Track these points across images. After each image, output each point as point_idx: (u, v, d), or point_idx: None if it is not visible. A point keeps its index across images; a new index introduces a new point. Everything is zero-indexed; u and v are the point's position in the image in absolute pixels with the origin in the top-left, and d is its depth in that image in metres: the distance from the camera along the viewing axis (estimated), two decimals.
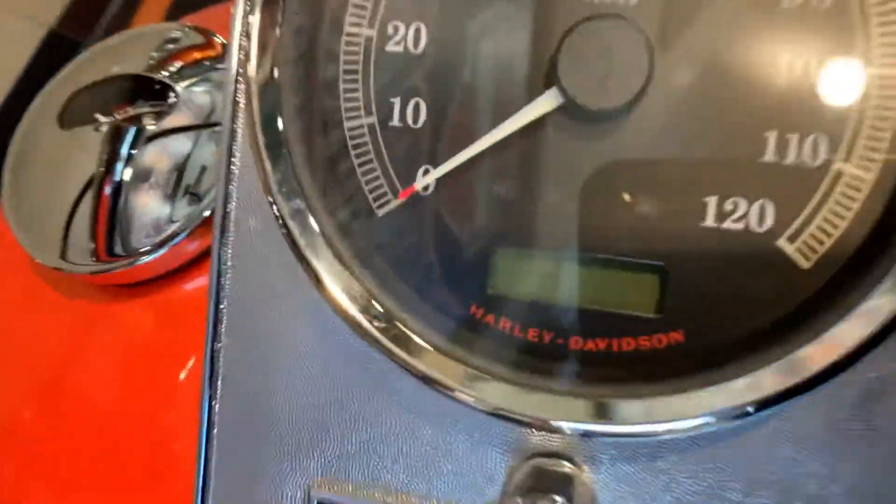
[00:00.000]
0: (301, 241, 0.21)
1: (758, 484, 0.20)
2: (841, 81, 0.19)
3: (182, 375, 0.33)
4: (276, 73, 0.21)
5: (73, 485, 0.35)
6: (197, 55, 0.35)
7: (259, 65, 0.21)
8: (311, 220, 0.21)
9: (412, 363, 0.20)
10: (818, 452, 0.20)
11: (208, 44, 0.35)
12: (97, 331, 0.34)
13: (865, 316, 0.19)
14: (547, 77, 0.20)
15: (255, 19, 0.21)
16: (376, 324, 0.20)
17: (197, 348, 0.33)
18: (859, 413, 0.19)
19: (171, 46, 0.35)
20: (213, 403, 0.24)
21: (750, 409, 0.19)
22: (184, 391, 0.33)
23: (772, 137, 0.20)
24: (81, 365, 0.36)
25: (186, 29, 0.35)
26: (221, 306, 0.24)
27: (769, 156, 0.20)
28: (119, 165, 0.32)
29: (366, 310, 0.21)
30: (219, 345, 0.24)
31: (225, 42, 0.35)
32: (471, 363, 0.20)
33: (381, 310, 0.21)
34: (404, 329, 0.20)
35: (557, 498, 0.19)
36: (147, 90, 0.33)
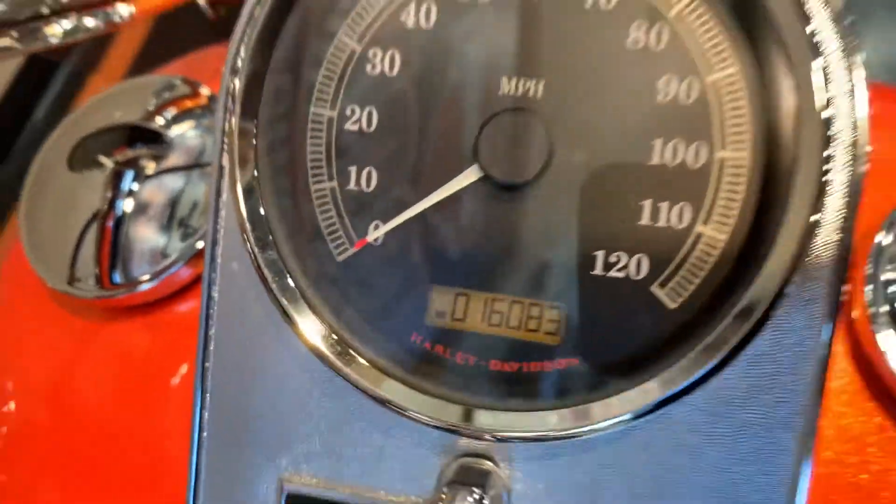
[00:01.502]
0: (274, 286, 0.26)
1: (637, 478, 0.25)
2: (700, 163, 0.25)
3: (175, 382, 0.37)
4: (257, 161, 0.26)
5: (76, 481, 0.40)
6: (188, 103, 0.39)
7: (241, 154, 0.26)
8: (282, 267, 0.26)
9: (361, 382, 0.25)
10: (682, 452, 0.25)
11: (195, 93, 0.40)
12: (98, 346, 0.39)
13: (715, 347, 0.24)
14: (471, 156, 0.25)
15: (236, 118, 0.26)
16: (332, 349, 0.25)
17: (188, 361, 0.38)
18: (713, 419, 0.24)
19: (165, 95, 0.40)
20: (203, 412, 0.29)
21: (628, 417, 0.24)
22: (175, 399, 0.38)
23: (647, 205, 0.25)
24: (84, 375, 0.41)
25: (176, 80, 0.40)
26: (210, 332, 0.28)
27: (645, 220, 0.25)
28: (120, 202, 0.37)
29: (325, 338, 0.26)
30: (208, 364, 0.29)
31: (211, 94, 0.39)
32: (407, 381, 0.25)
33: (336, 338, 0.26)
34: (355, 354, 0.25)
35: (476, 490, 0.24)
36: (144, 136, 0.38)
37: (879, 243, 0.31)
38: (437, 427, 0.25)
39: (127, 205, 0.37)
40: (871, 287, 0.31)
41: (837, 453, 0.33)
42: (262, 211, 0.26)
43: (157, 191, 0.38)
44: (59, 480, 0.43)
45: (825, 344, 0.24)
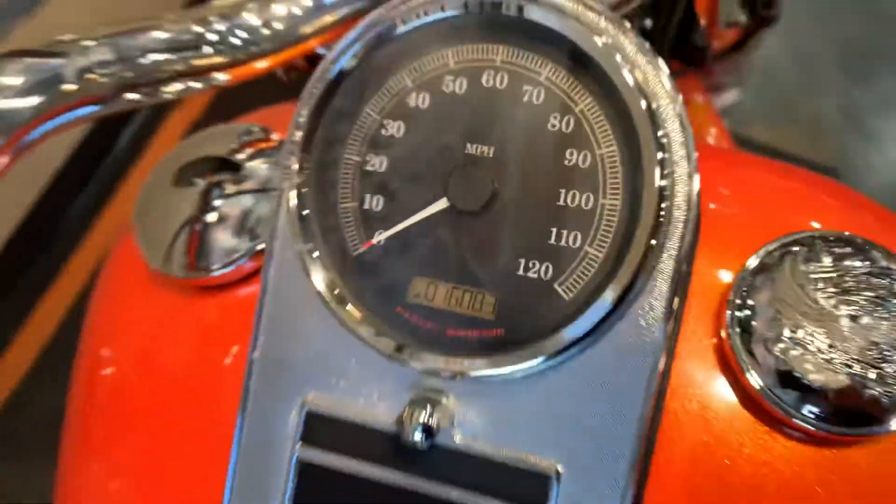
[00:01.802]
0: (309, 266, 0.39)
1: (534, 417, 0.37)
2: (589, 206, 0.37)
3: (235, 349, 0.51)
4: (306, 186, 0.40)
5: (158, 436, 0.52)
6: (261, 144, 0.54)
7: (297, 182, 0.40)
8: (316, 256, 0.40)
9: (350, 325, 0.38)
10: (564, 401, 0.37)
11: (267, 137, 0.54)
12: (180, 318, 0.53)
13: (591, 317, 0.36)
14: (442, 192, 0.39)
15: (295, 158, 0.40)
16: (340, 307, 0.39)
17: (246, 331, 0.51)
18: (580, 380, 0.37)
19: (244, 137, 0.54)
20: (253, 364, 0.42)
21: (538, 364, 0.37)
22: (236, 362, 0.51)
23: (554, 231, 0.37)
24: (168, 342, 0.54)
25: (254, 127, 0.55)
26: (265, 301, 0.42)
27: (552, 240, 0.38)
28: (207, 212, 0.51)
29: (338, 301, 0.39)
30: (260, 327, 0.42)
31: (280, 139, 0.54)
32: (387, 333, 0.38)
33: (342, 296, 0.39)
34: (355, 312, 0.39)
35: (428, 407, 0.37)
36: (228, 165, 0.53)
37: (741, 276, 0.44)
38: (404, 365, 0.38)
39: (211, 215, 0.52)
40: (729, 312, 0.43)
41: (708, 445, 0.44)
42: (306, 216, 0.40)
43: (234, 206, 0.52)
44: (144, 435, 0.55)
45: (660, 339, 0.36)
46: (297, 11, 0.44)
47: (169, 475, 0.49)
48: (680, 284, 0.36)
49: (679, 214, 0.36)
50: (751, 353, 0.42)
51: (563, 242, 0.37)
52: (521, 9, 0.37)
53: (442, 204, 0.38)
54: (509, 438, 0.37)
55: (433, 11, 0.38)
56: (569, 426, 0.37)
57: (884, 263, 0.42)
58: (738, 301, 0.43)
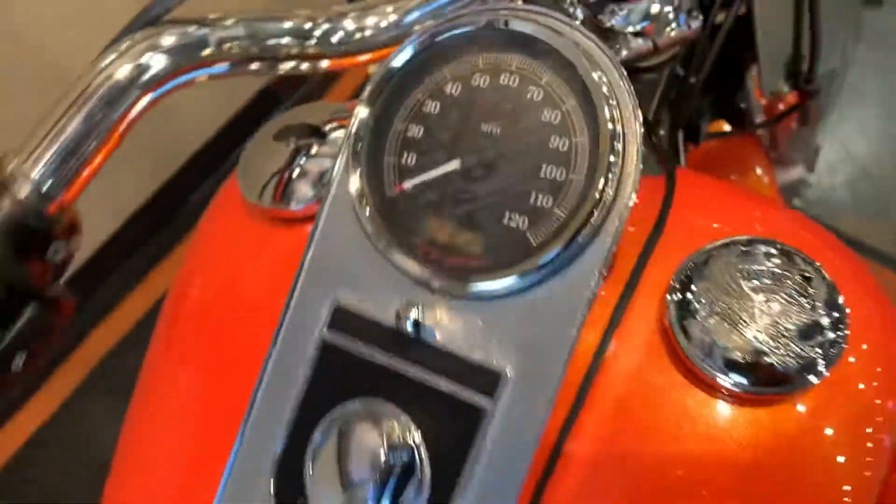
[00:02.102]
0: (356, 203, 0.53)
1: (500, 329, 0.49)
2: (562, 179, 0.50)
3: None
4: (361, 147, 0.54)
5: (241, 352, 0.65)
6: (344, 121, 0.69)
7: (356, 139, 0.54)
8: (361, 193, 0.53)
9: (379, 245, 0.51)
10: (525, 320, 0.49)
11: (350, 115, 0.70)
12: (264, 241, 0.68)
13: (547, 257, 0.48)
14: (459, 155, 0.52)
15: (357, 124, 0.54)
16: (374, 231, 0.52)
17: None
18: (532, 309, 0.48)
19: (334, 114, 0.70)
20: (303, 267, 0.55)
21: (503, 288, 0.49)
22: None
23: (533, 194, 0.50)
24: (251, 263, 0.69)
25: (342, 106, 0.70)
26: (320, 220, 0.55)
27: (531, 201, 0.50)
28: (294, 166, 0.67)
29: (373, 227, 0.52)
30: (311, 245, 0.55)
31: None
32: (405, 255, 0.51)
33: (379, 227, 0.52)
34: (383, 236, 0.52)
35: (420, 307, 0.49)
36: (316, 132, 0.68)
37: (685, 264, 0.55)
38: (410, 278, 0.51)
39: (297, 168, 0.67)
40: (669, 295, 0.54)
41: (645, 399, 0.55)
42: (358, 165, 0.54)
43: (314, 164, 0.67)
44: (224, 351, 0.66)
45: (594, 280, 0.47)
46: (382, 25, 0.59)
47: (244, 388, 0.56)
48: (615, 238, 0.48)
49: (622, 192, 0.48)
50: (684, 328, 0.53)
51: (538, 204, 0.50)
52: (527, 30, 0.51)
53: (455, 164, 0.51)
54: (475, 342, 0.50)
55: (466, 26, 0.52)
56: (519, 341, 0.49)
57: (802, 266, 0.52)
58: (677, 284, 0.54)
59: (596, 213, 0.48)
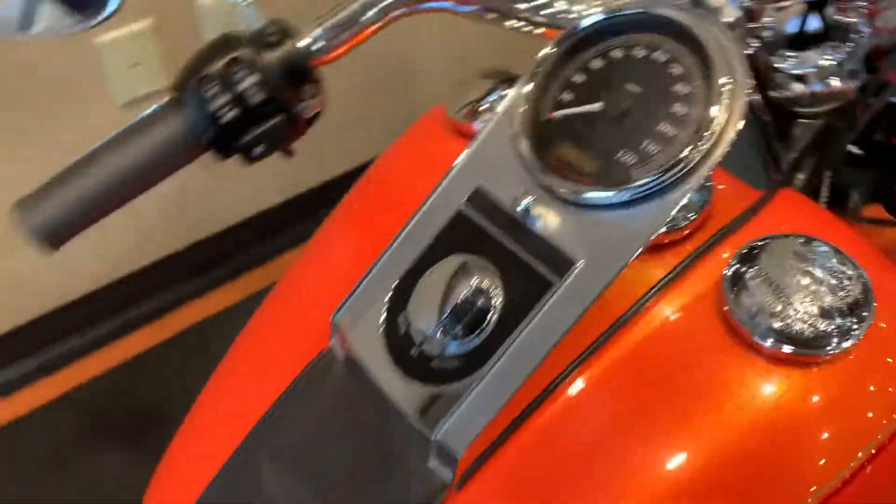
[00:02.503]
0: (514, 119, 0.69)
1: (582, 231, 0.63)
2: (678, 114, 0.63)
3: None
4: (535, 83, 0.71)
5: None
6: None
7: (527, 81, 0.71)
8: (521, 112, 0.70)
9: (523, 153, 0.68)
10: (606, 228, 0.62)
11: None
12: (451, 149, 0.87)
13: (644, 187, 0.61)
14: (603, 98, 0.67)
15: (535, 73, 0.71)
16: (524, 143, 0.68)
17: None
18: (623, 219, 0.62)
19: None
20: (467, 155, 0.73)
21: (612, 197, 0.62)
22: None
23: (655, 130, 0.63)
24: (434, 165, 0.87)
25: None
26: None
27: (649, 140, 0.64)
28: (486, 98, 0.85)
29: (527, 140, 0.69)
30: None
31: None
32: (542, 161, 0.67)
33: (527, 140, 0.68)
34: (529, 148, 0.68)
35: (532, 198, 0.65)
36: (511, 80, 0.86)
37: (741, 248, 0.65)
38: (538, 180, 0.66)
39: (487, 101, 0.85)
40: (729, 266, 0.65)
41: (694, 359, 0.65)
42: (527, 96, 0.70)
43: (500, 99, 0.85)
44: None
45: (664, 218, 0.60)
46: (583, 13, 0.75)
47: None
48: (693, 188, 0.60)
49: (714, 152, 0.61)
50: (735, 292, 0.64)
51: (649, 148, 0.63)
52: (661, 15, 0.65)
53: (598, 106, 0.67)
54: (563, 235, 0.64)
55: (636, 9, 0.67)
56: (594, 244, 0.63)
57: (841, 266, 0.62)
58: (737, 259, 0.65)
59: (688, 165, 0.61)
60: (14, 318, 1.92)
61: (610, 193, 0.58)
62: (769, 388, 0.60)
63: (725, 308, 0.64)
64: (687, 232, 0.65)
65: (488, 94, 0.84)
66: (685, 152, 0.60)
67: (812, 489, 0.57)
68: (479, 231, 0.67)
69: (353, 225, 0.85)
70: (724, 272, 0.64)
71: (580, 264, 0.62)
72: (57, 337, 2.00)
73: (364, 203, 0.84)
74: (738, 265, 0.65)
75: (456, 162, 0.66)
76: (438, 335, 0.60)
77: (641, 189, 0.61)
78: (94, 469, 1.77)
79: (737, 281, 0.64)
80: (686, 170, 0.60)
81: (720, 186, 0.68)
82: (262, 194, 2.24)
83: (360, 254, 0.78)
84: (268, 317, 0.84)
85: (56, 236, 0.65)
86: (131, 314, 2.06)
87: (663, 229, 0.62)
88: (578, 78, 0.68)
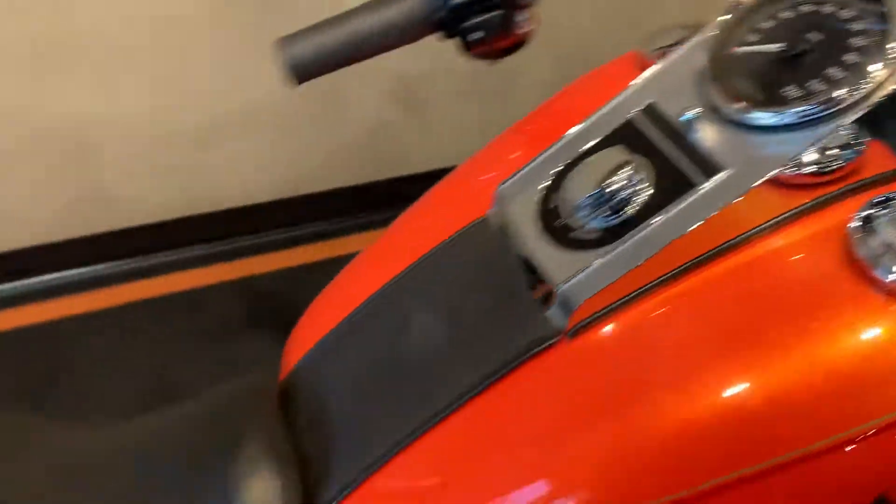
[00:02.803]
0: (703, 50, 0.79)
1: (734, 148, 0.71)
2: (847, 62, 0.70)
3: None
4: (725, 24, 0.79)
5: None
6: None
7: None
8: (713, 45, 0.79)
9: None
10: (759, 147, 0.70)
11: None
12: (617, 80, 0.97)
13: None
14: (786, 41, 0.75)
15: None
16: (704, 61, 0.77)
17: None
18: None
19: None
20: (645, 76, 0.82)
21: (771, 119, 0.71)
22: None
23: (828, 71, 0.71)
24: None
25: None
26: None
27: (820, 79, 0.71)
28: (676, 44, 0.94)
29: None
30: None
31: None
32: (719, 83, 0.76)
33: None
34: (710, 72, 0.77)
35: (701, 112, 0.73)
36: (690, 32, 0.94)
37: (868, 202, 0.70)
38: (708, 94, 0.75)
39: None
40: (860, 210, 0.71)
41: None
42: (717, 32, 0.79)
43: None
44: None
45: (809, 143, 0.67)
46: None
47: None
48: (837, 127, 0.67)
49: (870, 98, 0.67)
50: (863, 232, 0.70)
51: (812, 87, 0.70)
52: None
53: (778, 47, 0.74)
54: (716, 146, 0.73)
55: None
56: (743, 158, 0.71)
57: None
58: (869, 207, 0.71)
59: (842, 105, 0.68)
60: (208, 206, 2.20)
61: (770, 115, 0.66)
62: (884, 321, 0.65)
63: (852, 242, 0.70)
64: (833, 178, 0.72)
65: (682, 40, 0.93)
66: (843, 93, 0.67)
67: None
68: (642, 137, 0.77)
69: (530, 135, 0.96)
70: (857, 213, 0.70)
71: (727, 172, 0.71)
72: (242, 232, 2.26)
73: (547, 116, 0.95)
74: (871, 209, 0.70)
75: (635, 80, 0.75)
76: (586, 210, 0.70)
77: (797, 115, 0.69)
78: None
79: (868, 221, 0.70)
80: (840, 108, 0.67)
81: (873, 151, 0.73)
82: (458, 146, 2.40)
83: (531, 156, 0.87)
84: (434, 196, 0.97)
85: (304, 73, 0.80)
86: (307, 229, 2.29)
87: (813, 155, 0.69)
88: (766, 24, 0.77)
